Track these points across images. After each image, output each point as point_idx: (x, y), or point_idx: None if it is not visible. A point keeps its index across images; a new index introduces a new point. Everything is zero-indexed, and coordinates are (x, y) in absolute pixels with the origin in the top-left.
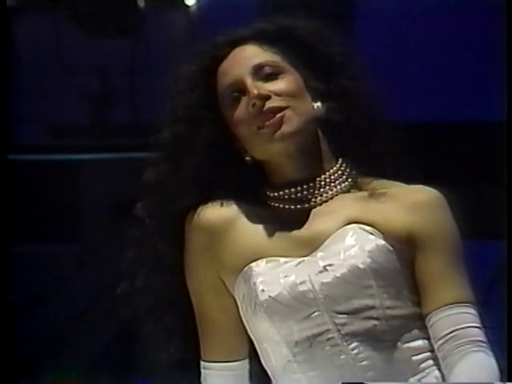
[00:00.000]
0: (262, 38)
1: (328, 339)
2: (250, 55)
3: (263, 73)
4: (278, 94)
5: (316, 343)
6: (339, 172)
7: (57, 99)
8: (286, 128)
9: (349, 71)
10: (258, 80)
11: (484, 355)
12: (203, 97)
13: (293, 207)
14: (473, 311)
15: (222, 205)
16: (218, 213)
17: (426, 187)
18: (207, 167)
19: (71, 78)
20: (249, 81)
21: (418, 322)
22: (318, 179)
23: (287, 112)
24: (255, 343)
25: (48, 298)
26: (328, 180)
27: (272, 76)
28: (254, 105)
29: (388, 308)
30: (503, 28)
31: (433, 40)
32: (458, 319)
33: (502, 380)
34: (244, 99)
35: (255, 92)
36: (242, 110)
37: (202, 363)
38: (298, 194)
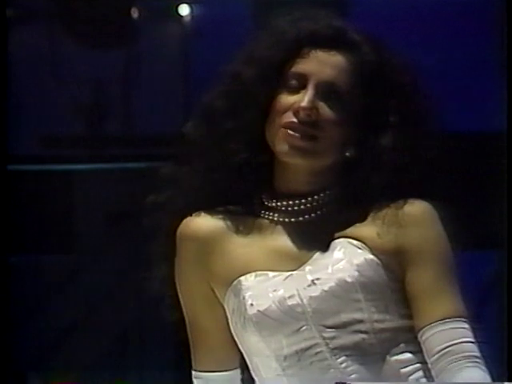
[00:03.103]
0: (355, 55)
1: (316, 353)
2: (339, 68)
3: (328, 95)
4: (322, 122)
5: (305, 357)
6: (338, 193)
7: (51, 110)
8: (300, 158)
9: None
10: (318, 97)
11: (478, 370)
12: (278, 62)
13: (287, 220)
14: (466, 326)
15: (212, 215)
16: (209, 223)
17: (416, 200)
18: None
19: (66, 88)
20: (311, 92)
21: (407, 335)
22: (316, 196)
23: (313, 146)
24: (245, 356)
25: (46, 306)
26: (327, 199)
27: (332, 101)
28: (297, 112)
29: (376, 321)
30: (503, 37)
31: (430, 49)
32: (451, 334)
33: (502, 380)
34: (300, 94)
35: (306, 105)
36: (287, 99)
37: (193, 373)
38: (295, 208)
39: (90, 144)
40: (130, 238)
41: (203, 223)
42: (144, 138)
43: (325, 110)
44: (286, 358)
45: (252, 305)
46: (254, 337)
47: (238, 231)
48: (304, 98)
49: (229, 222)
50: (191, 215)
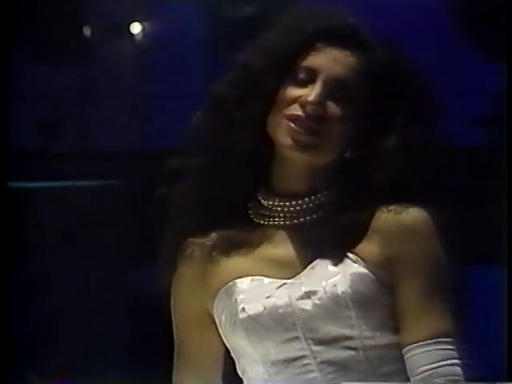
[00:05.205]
0: (368, 55)
1: (304, 365)
2: (350, 67)
3: (336, 92)
4: (327, 118)
5: (292, 367)
6: (335, 194)
7: (9, 126)
8: (302, 152)
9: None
10: (326, 93)
11: None
12: (292, 49)
13: (282, 223)
14: (450, 346)
15: (208, 234)
16: (205, 244)
17: (413, 209)
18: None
19: (22, 105)
20: (320, 87)
21: (396, 351)
22: (313, 197)
23: (316, 141)
24: (232, 354)
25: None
26: (324, 200)
27: (340, 99)
28: (303, 106)
29: (366, 338)
30: (504, 46)
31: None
32: (434, 356)
33: (502, 380)
34: (308, 88)
35: (314, 99)
36: (294, 91)
37: None
38: (291, 208)
39: (46, 160)
40: (89, 253)
41: (199, 245)
42: (99, 155)
43: (331, 106)
44: (273, 363)
45: (244, 309)
46: (242, 341)
47: (232, 244)
48: (312, 93)
49: (224, 238)
50: (191, 233)
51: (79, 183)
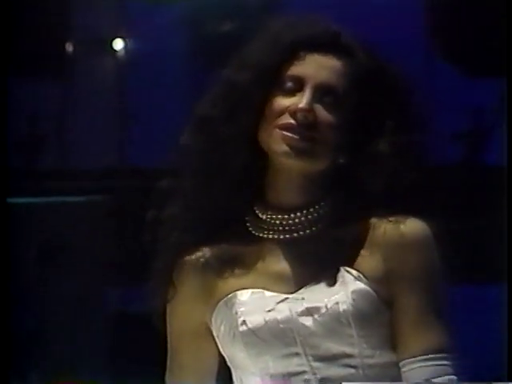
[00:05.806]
0: (352, 59)
1: (304, 380)
2: (336, 72)
3: (325, 97)
4: (319, 124)
5: (291, 382)
6: (332, 205)
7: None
8: (299, 158)
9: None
10: (316, 100)
11: None
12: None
13: (282, 237)
14: (446, 362)
15: (207, 250)
16: (204, 261)
17: (411, 220)
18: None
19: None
20: (309, 94)
21: (395, 370)
22: (311, 209)
23: (312, 147)
24: (229, 364)
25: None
26: (322, 212)
27: (329, 104)
28: (294, 114)
29: (366, 357)
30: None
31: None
32: (430, 372)
33: (502, 380)
34: (296, 97)
35: (304, 106)
36: (283, 101)
37: None
38: (290, 221)
39: (26, 177)
40: (68, 271)
41: (197, 262)
42: (80, 172)
43: (322, 112)
44: (271, 377)
45: (244, 322)
46: (240, 353)
47: (232, 258)
48: (302, 100)
49: (223, 253)
50: (188, 250)
51: (68, 199)
